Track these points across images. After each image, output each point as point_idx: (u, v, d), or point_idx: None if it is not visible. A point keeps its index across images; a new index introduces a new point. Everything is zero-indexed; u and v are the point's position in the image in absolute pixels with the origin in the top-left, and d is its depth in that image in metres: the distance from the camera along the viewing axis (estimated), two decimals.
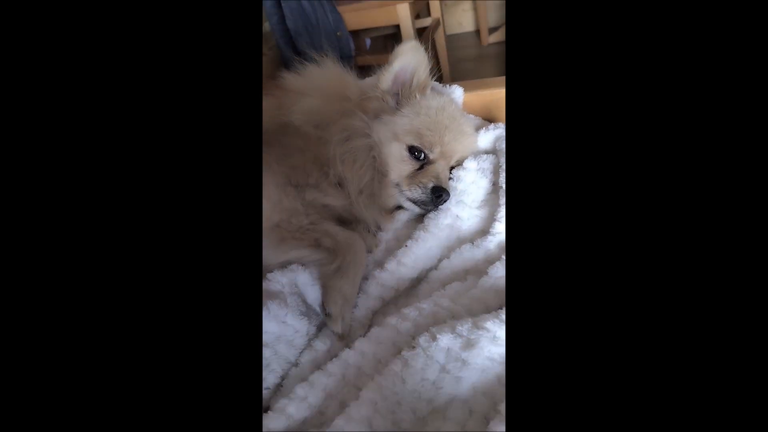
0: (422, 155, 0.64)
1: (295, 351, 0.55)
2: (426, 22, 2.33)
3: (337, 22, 1.97)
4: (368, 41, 2.34)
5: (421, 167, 0.65)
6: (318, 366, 0.53)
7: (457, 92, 0.77)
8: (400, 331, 0.52)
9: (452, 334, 0.47)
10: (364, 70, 2.13)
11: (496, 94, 0.78)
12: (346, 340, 0.56)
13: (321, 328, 0.58)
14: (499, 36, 2.67)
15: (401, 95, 0.65)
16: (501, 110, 0.78)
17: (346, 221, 0.63)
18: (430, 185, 0.63)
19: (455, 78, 2.26)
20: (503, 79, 0.78)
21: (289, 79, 0.69)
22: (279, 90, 0.70)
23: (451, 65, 2.34)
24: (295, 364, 0.55)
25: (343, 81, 0.65)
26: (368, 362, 0.51)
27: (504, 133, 0.70)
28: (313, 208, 0.60)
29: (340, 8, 1.93)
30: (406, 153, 0.64)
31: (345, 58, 2.07)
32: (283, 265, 0.59)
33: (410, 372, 0.46)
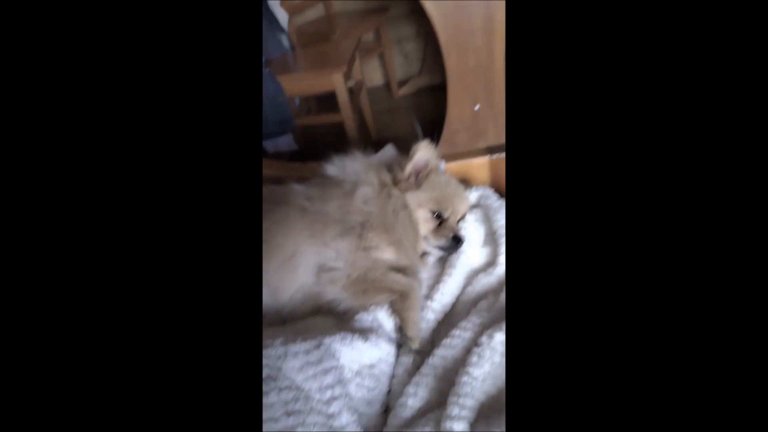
0: (440, 215, 0.93)
1: (390, 368, 0.77)
2: (350, 83, 2.66)
3: (277, 90, 2.18)
4: (297, 100, 2.59)
5: (440, 224, 0.93)
6: (410, 374, 0.76)
7: (442, 165, 1.07)
8: (464, 338, 0.77)
9: (501, 331, 0.75)
10: (305, 129, 2.34)
11: (467, 164, 1.10)
12: (422, 354, 0.80)
13: (398, 349, 0.81)
14: (408, 89, 3.12)
15: (419, 177, 0.93)
16: (472, 175, 1.10)
17: (398, 269, 0.88)
18: (451, 235, 0.91)
19: (379, 131, 2.61)
20: (473, 151, 1.10)
21: (330, 168, 0.93)
22: (317, 176, 0.93)
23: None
24: (393, 377, 0.77)
25: (379, 170, 0.91)
26: (450, 363, 0.75)
27: (484, 192, 1.02)
28: (378, 263, 0.84)
29: (280, 78, 2.15)
30: (430, 215, 0.92)
31: (286, 121, 2.30)
32: (364, 307, 0.81)
33: (483, 361, 0.72)
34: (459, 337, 0.78)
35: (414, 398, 0.71)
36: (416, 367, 0.77)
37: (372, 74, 3.32)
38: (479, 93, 2.27)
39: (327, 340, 0.71)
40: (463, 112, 2.36)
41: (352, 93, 2.39)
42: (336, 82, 2.13)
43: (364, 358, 0.74)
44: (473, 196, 1.03)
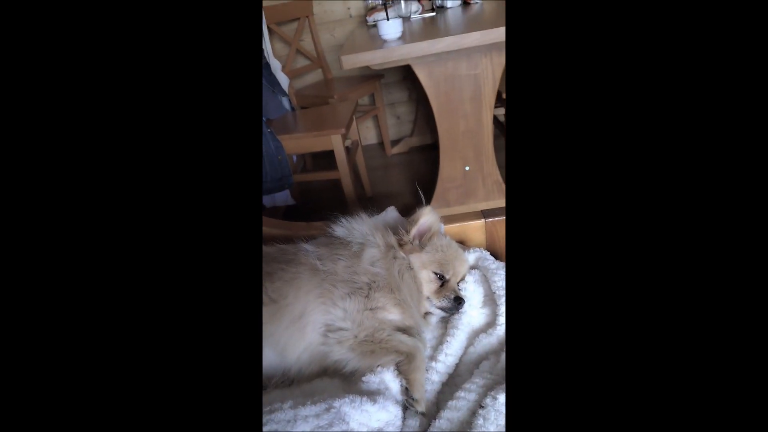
0: (442, 277, 0.97)
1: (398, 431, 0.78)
2: (347, 143, 2.80)
3: (278, 149, 2.28)
4: (294, 157, 2.70)
5: (442, 285, 0.97)
6: None
7: (442, 227, 1.13)
8: (469, 400, 0.79)
9: (503, 392, 0.77)
10: (301, 184, 2.42)
11: (464, 226, 1.17)
12: (428, 416, 0.81)
13: (404, 411, 0.82)
14: (400, 148, 3.29)
15: (423, 239, 0.98)
16: (469, 237, 1.16)
17: (403, 330, 0.91)
18: (452, 296, 0.95)
19: (372, 186, 2.72)
20: (469, 214, 1.18)
21: (338, 230, 0.98)
22: (326, 236, 0.98)
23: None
24: None
25: (385, 233, 0.96)
26: (456, 425, 0.76)
27: (481, 254, 1.08)
28: (385, 323, 0.87)
29: (281, 137, 2.25)
30: (433, 276, 0.96)
31: (285, 177, 2.38)
32: (371, 369, 0.83)
33: (488, 424, 0.74)
34: (464, 398, 0.80)
35: None
36: (423, 431, 0.78)
37: (366, 133, 3.49)
38: (469, 155, 2.43)
39: (336, 404, 0.72)
40: (454, 172, 2.50)
41: (349, 151, 2.51)
42: (335, 142, 2.25)
43: (373, 422, 0.75)
44: (471, 257, 1.08)
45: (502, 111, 2.62)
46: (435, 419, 0.78)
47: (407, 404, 0.81)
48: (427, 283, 0.96)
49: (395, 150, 3.28)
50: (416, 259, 0.96)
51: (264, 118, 2.38)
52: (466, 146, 2.34)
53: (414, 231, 0.97)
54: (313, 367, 0.85)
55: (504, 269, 1.02)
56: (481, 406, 0.76)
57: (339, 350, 0.84)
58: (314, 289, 0.87)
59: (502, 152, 2.43)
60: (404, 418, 0.81)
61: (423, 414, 0.81)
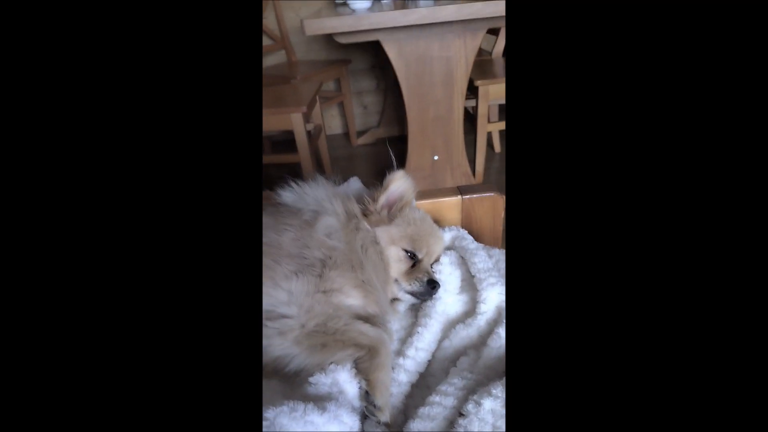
0: (414, 255, 0.80)
1: None
2: (309, 126, 2.59)
3: None
4: None
5: (413, 265, 0.80)
6: None
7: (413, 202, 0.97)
8: (446, 406, 0.62)
9: (491, 397, 0.61)
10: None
11: (438, 203, 1.01)
12: (394, 428, 0.63)
13: (363, 421, 0.64)
14: (366, 139, 3.11)
15: (393, 210, 0.81)
16: (443, 215, 1.00)
17: (364, 319, 0.72)
18: (426, 279, 0.78)
19: (335, 175, 2.53)
20: (444, 190, 1.02)
21: (288, 196, 0.79)
22: (276, 204, 0.78)
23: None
24: None
25: (344, 199, 0.78)
26: None
27: (458, 233, 0.92)
28: (341, 309, 0.68)
29: None
30: (403, 254, 0.79)
31: None
32: (322, 367, 0.64)
33: None
34: (439, 404, 0.63)
35: None
36: None
37: (331, 122, 3.30)
38: (438, 144, 2.29)
39: (270, 414, 0.53)
40: (423, 161, 2.35)
41: (311, 136, 2.31)
42: (295, 121, 2.05)
43: None
44: (447, 236, 0.92)
45: (472, 103, 2.51)
46: (405, 431, 0.60)
47: (367, 412, 0.63)
48: (396, 262, 0.79)
49: (361, 141, 3.11)
50: (384, 233, 0.78)
51: None
52: (436, 134, 2.21)
53: (383, 199, 0.79)
54: None
55: (484, 250, 0.86)
56: (461, 414, 0.60)
57: (280, 343, 0.64)
58: None
59: (470, 146, 2.32)
60: (362, 430, 0.63)
61: (387, 425, 0.63)
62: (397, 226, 0.79)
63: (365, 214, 0.78)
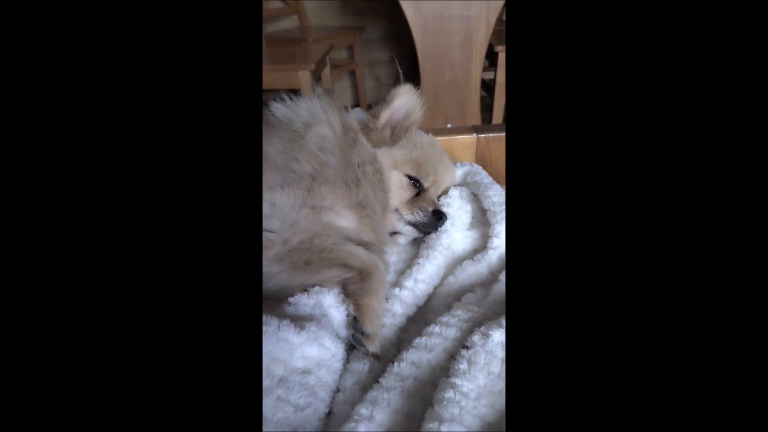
0: (418, 183, 0.71)
1: (334, 376, 0.50)
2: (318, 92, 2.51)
3: None
4: None
5: (418, 194, 0.71)
6: (365, 387, 0.50)
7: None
8: (446, 337, 0.53)
9: (501, 329, 0.51)
10: None
11: (451, 141, 0.91)
12: (383, 360, 0.54)
13: (349, 351, 0.55)
14: None
15: (397, 130, 0.71)
16: (457, 154, 0.90)
17: (357, 245, 0.63)
18: (431, 209, 0.68)
19: None
20: (458, 128, 0.92)
21: (280, 109, 0.69)
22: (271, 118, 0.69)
23: None
24: (337, 391, 0.50)
25: (341, 112, 0.69)
26: (424, 371, 0.50)
27: (472, 168, 0.82)
28: (331, 229, 0.59)
29: None
30: (406, 180, 0.69)
31: None
32: (304, 288, 0.55)
33: (476, 371, 0.48)
34: (439, 335, 0.54)
35: (369, 423, 0.44)
36: (374, 378, 0.51)
37: (342, 93, 3.20)
38: (453, 110, 2.17)
39: None
40: (435, 128, 2.24)
41: None
42: (303, 79, 1.96)
43: (296, 359, 0.47)
44: (459, 172, 0.82)
45: (490, 75, 2.38)
46: (393, 363, 0.51)
47: (354, 342, 0.54)
48: (398, 188, 0.69)
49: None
50: (385, 155, 0.69)
51: None
52: (451, 100, 2.09)
53: (386, 115, 0.69)
54: None
55: (500, 185, 0.76)
56: (465, 347, 0.51)
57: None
58: None
59: (486, 121, 2.20)
60: (347, 361, 0.54)
61: (376, 356, 0.54)
62: (401, 148, 0.70)
63: (365, 130, 0.69)
